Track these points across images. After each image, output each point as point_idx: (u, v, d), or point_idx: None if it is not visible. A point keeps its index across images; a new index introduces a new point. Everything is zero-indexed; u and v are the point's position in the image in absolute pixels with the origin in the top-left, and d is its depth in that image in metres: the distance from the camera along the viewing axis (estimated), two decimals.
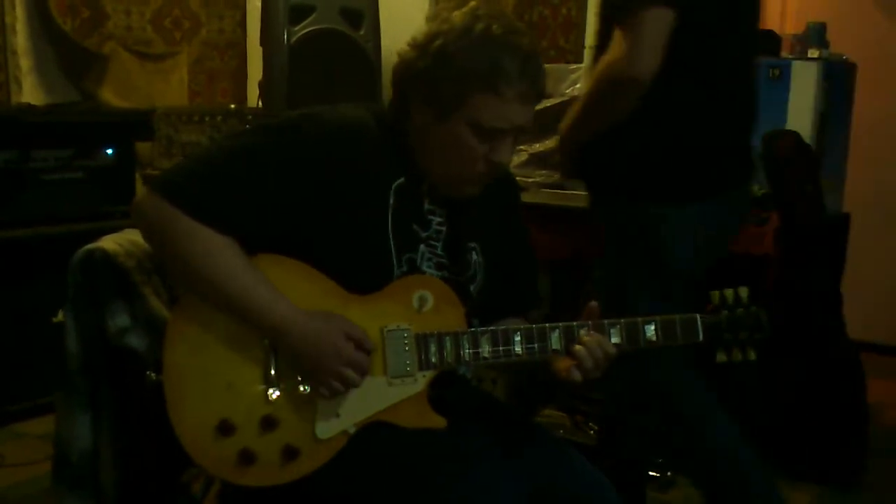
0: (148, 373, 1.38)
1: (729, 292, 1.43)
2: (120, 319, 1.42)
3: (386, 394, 1.33)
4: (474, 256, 1.46)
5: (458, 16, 1.33)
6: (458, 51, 1.30)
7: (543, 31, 3.60)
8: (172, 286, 1.51)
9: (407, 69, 1.35)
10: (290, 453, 1.30)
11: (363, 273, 1.34)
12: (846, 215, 3.04)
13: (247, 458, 1.29)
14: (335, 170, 1.31)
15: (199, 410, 1.29)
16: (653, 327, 1.38)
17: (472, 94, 1.30)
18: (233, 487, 1.39)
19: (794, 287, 2.56)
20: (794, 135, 2.69)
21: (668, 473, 2.57)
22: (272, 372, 1.31)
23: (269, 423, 1.30)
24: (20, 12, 3.48)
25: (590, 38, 3.17)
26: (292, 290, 1.31)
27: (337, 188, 1.31)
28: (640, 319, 1.38)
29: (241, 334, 1.31)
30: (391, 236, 1.36)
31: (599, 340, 1.34)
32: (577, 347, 1.34)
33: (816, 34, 3.01)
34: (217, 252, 1.28)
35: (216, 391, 1.30)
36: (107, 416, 1.44)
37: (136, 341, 1.42)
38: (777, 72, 2.83)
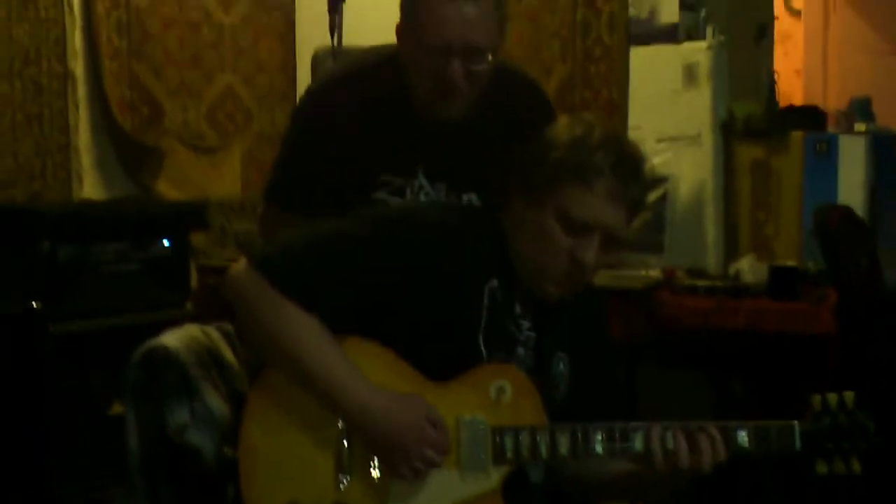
0: (225, 448, 1.39)
1: (832, 397, 1.33)
2: (179, 416, 1.43)
3: (458, 488, 1.31)
4: (561, 367, 1.45)
5: (566, 117, 1.41)
6: (557, 144, 1.35)
7: None
8: (230, 380, 1.53)
9: (511, 159, 1.40)
10: None
11: (449, 369, 1.34)
12: None
13: None
14: (431, 270, 1.34)
15: (270, 491, 1.30)
16: (745, 433, 1.32)
17: (563, 184, 1.33)
18: None
19: (858, 366, 2.48)
20: (845, 208, 2.65)
21: None
22: (345, 458, 1.31)
23: None
24: (83, 112, 3.63)
25: (632, 119, 3.19)
26: (370, 374, 1.31)
27: (431, 287, 1.33)
28: (731, 424, 1.33)
29: (317, 417, 1.32)
30: (482, 337, 1.36)
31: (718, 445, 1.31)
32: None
33: (861, 108, 3.01)
34: (300, 328, 1.30)
35: (288, 473, 1.30)
36: None
37: (196, 438, 1.42)
38: (824, 146, 2.81)
